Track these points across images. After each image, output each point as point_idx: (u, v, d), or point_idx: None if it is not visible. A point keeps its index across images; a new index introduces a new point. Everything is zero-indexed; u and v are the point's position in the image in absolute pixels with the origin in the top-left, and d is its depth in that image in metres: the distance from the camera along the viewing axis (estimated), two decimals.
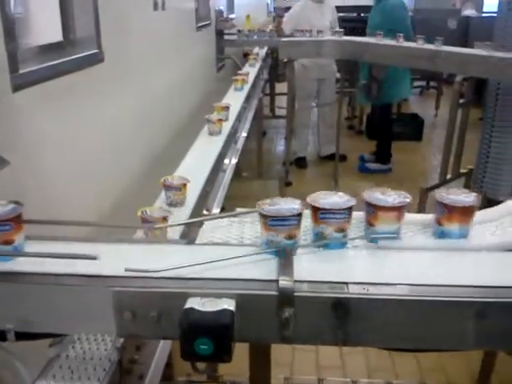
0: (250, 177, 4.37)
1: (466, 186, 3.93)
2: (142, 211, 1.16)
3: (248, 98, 3.37)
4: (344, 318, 0.79)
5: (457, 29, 6.26)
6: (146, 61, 2.58)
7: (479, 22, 6.02)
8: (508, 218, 1.04)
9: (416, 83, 8.27)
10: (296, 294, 0.80)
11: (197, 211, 1.50)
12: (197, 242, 1.01)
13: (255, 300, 0.80)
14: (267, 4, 8.73)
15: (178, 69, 3.19)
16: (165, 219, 1.13)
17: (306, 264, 0.86)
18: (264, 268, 0.85)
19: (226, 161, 2.56)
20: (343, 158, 5.33)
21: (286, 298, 0.79)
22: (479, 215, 1.00)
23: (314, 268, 0.85)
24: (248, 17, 6.50)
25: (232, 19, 4.89)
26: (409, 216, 1.05)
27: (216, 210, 2.06)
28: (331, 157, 4.96)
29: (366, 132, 6.07)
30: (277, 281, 0.80)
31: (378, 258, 0.89)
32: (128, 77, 2.33)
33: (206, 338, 0.75)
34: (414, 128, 6.04)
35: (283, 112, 5.25)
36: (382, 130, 5.18)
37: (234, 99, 2.85)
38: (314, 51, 4.21)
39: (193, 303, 0.78)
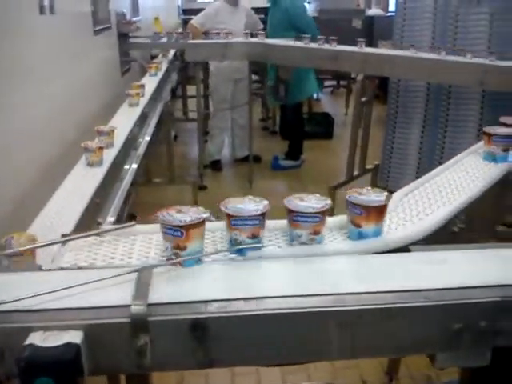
0: (162, 182, 4.27)
1: (373, 181, 4.05)
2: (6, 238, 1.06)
3: (152, 103, 3.28)
4: (203, 339, 0.75)
5: (362, 28, 6.46)
6: (36, 68, 2.43)
7: (383, 22, 6.24)
8: (393, 213, 1.04)
9: (327, 83, 8.47)
10: (150, 318, 0.74)
11: (83, 225, 1.41)
12: (57, 265, 0.93)
13: (106, 329, 0.74)
14: (178, 6, 8.62)
15: (75, 75, 3.04)
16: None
17: (165, 284, 0.81)
18: (119, 292, 0.79)
19: (126, 167, 2.45)
20: (258, 159, 5.34)
21: (139, 324, 0.74)
22: None
23: (172, 288, 0.80)
24: (157, 19, 6.35)
25: (136, 22, 4.75)
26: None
27: (111, 219, 1.96)
28: (246, 158, 4.95)
29: (280, 132, 6.12)
30: (129, 306, 0.75)
31: (243, 270, 0.86)
32: (15, 85, 2.18)
33: (48, 376, 0.68)
34: (325, 127, 6.16)
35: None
36: (293, 129, 5.25)
37: (128, 116, 2.71)
38: (220, 53, 4.18)
39: (34, 338, 0.71)
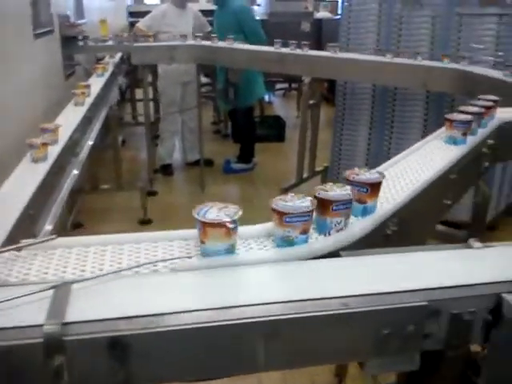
0: (109, 189, 4.17)
1: (323, 183, 4.07)
2: None
3: (97, 103, 3.19)
4: (123, 358, 0.71)
5: (310, 31, 6.52)
6: None
7: (331, 25, 6.31)
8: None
9: (279, 85, 8.52)
10: (66, 338, 0.70)
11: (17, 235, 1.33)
12: None
13: (17, 351, 0.69)
14: (126, 8, 8.47)
15: (11, 79, 2.92)
16: None
17: (84, 300, 0.77)
18: (32, 311, 0.74)
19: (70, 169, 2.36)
20: (210, 162, 5.30)
21: (53, 344, 0.69)
22: None
23: (92, 304, 0.76)
24: (104, 22, 6.21)
25: (80, 24, 4.63)
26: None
27: (48, 228, 1.88)
28: (198, 162, 4.90)
29: (232, 136, 6.09)
30: (42, 326, 0.70)
31: (164, 285, 0.81)
32: None
33: None
34: (276, 129, 6.18)
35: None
36: (244, 132, 5.24)
37: (73, 114, 2.63)
38: (167, 56, 4.12)
39: None
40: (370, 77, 3.36)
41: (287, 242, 0.88)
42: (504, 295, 0.75)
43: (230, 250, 0.85)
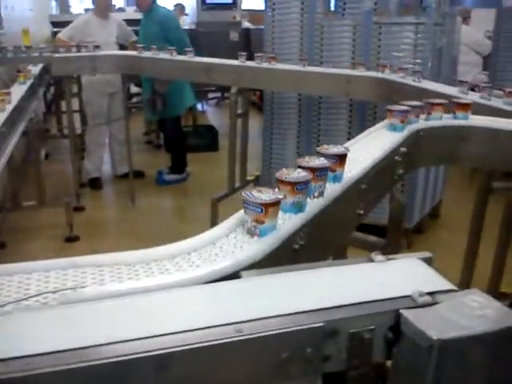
0: (33, 205, 3.97)
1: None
2: None
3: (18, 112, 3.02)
4: None
5: (239, 41, 6.54)
6: None
7: (258, 34, 6.36)
8: (224, 239, 0.98)
9: (212, 94, 8.49)
10: None
11: None
12: None
13: None
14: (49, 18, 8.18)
15: None
16: None
17: None
18: None
19: None
20: (140, 174, 5.18)
21: None
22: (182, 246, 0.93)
23: None
24: (26, 32, 5.96)
25: None
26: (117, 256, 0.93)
27: None
28: (128, 175, 4.76)
29: (165, 146, 5.99)
30: None
31: (46, 318, 0.73)
32: None
33: None
34: (209, 139, 6.14)
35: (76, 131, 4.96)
36: (175, 143, 5.16)
37: None
38: (90, 66, 3.99)
39: None
40: (293, 86, 3.38)
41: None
42: (402, 311, 0.73)
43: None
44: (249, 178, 4.10)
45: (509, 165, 1.77)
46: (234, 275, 0.84)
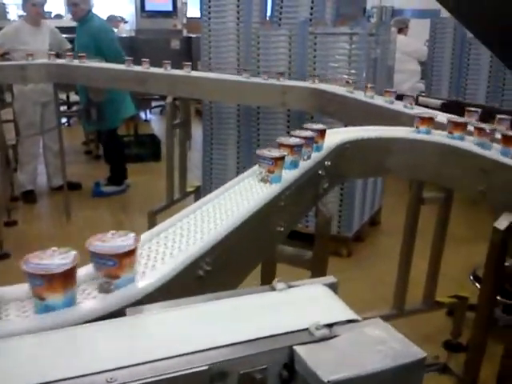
0: None
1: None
2: None
3: None
4: None
5: (180, 49, 6.45)
6: None
7: (199, 42, 6.30)
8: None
9: (156, 103, 8.35)
10: None
11: None
12: None
13: None
14: None
15: None
16: None
17: None
18: None
19: None
20: (77, 186, 5.01)
21: None
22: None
23: None
24: None
25: None
26: None
27: None
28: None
29: (104, 156, 5.82)
30: None
31: None
32: None
33: None
34: (152, 148, 6.02)
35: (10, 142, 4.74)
36: (112, 153, 5.01)
37: None
38: (19, 76, 3.81)
39: None
40: (230, 96, 3.33)
41: None
42: (295, 348, 0.68)
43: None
44: (189, 189, 4.01)
45: (433, 176, 1.77)
46: (119, 312, 0.77)
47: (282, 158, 1.31)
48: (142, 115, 8.37)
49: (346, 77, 3.32)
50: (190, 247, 0.96)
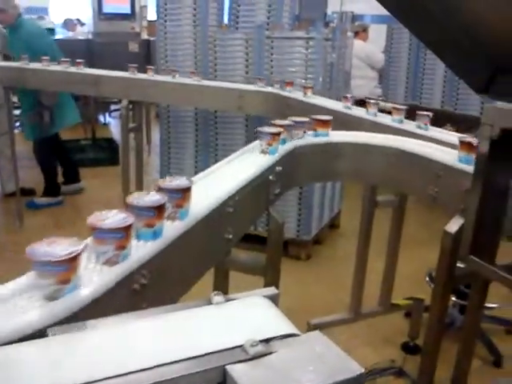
0: None
1: None
2: None
3: None
4: None
5: (139, 52, 6.36)
6: None
7: None
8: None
9: (115, 106, 8.20)
10: None
11: None
12: None
13: None
14: None
15: None
16: None
17: None
18: None
19: None
20: (31, 192, 4.85)
21: None
22: None
23: None
24: None
25: None
26: None
27: None
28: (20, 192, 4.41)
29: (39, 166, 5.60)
30: None
31: None
32: None
33: None
34: (109, 153, 5.90)
35: None
36: (44, 164, 4.79)
37: None
38: None
39: None
40: (186, 100, 3.28)
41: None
42: (227, 367, 0.65)
43: None
44: None
45: (382, 179, 1.77)
46: (41, 333, 0.72)
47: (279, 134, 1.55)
48: (101, 119, 8.22)
49: (303, 81, 3.32)
50: (136, 253, 0.92)
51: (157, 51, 3.76)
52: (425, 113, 2.08)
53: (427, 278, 3.01)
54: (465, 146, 1.56)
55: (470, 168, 1.46)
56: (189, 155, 3.85)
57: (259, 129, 1.62)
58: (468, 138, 1.58)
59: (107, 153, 5.92)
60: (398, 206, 2.38)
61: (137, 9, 6.82)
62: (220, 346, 0.68)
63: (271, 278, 1.59)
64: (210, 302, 0.78)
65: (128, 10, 6.64)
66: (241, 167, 1.44)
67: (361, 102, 2.90)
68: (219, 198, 1.21)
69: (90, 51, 4.78)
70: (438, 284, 1.76)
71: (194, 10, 3.58)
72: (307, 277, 3.54)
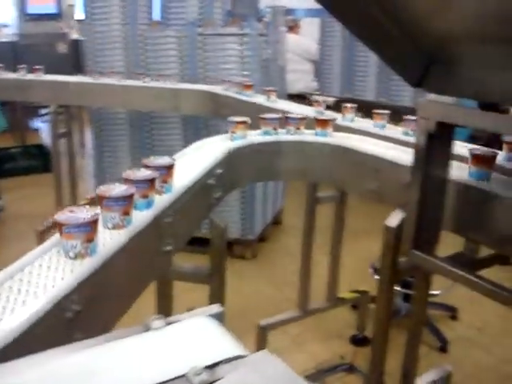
0: None
1: None
2: None
3: None
4: None
5: (69, 53, 6.10)
6: None
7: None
8: None
9: (44, 110, 7.87)
10: None
11: None
12: None
13: None
14: None
15: None
16: None
17: None
18: None
19: None
20: None
21: None
22: None
23: None
24: None
25: None
26: None
27: None
28: None
29: None
30: None
31: None
32: None
33: None
34: (40, 160, 5.63)
35: None
36: None
37: None
38: None
39: None
40: (119, 102, 3.17)
41: None
42: None
43: None
44: (82, 202, 3.77)
45: (323, 176, 1.76)
46: None
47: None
48: (31, 124, 7.86)
49: (239, 78, 3.27)
50: (56, 284, 0.84)
51: (85, 52, 3.60)
52: (383, 111, 2.05)
53: (371, 270, 3.04)
54: (477, 159, 1.38)
55: (408, 162, 1.46)
56: (124, 158, 3.72)
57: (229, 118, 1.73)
58: (480, 150, 1.42)
59: (39, 160, 5.66)
60: (340, 201, 2.39)
61: (64, 8, 6.54)
62: (161, 378, 0.62)
63: (217, 285, 1.54)
64: (147, 328, 0.72)
65: (54, 10, 6.36)
66: (177, 173, 1.37)
67: (298, 96, 2.90)
68: (156, 209, 1.14)
69: (15, 54, 4.52)
70: (383, 278, 1.76)
71: (123, 7, 3.45)
72: (254, 276, 3.51)
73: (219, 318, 0.79)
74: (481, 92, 1.22)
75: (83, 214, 0.94)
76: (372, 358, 1.87)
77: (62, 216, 0.92)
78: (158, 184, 1.21)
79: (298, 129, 1.79)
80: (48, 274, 0.89)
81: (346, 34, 4.83)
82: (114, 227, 1.03)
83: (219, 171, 1.53)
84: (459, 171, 1.41)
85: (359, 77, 4.76)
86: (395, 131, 1.98)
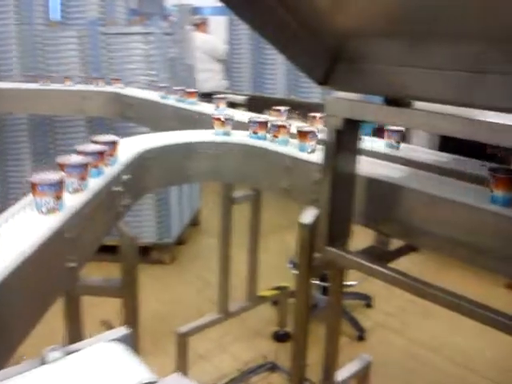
0: None
1: None
2: None
3: None
4: None
5: None
6: None
7: None
8: None
9: None
10: None
11: None
12: None
13: None
14: None
15: None
16: None
17: None
18: None
19: None
20: None
21: None
22: None
23: None
24: None
25: None
26: None
27: None
28: None
29: None
30: None
31: None
32: None
33: None
34: None
35: None
36: None
37: None
38: None
39: None
40: (17, 107, 2.96)
41: None
42: None
43: None
44: None
45: (236, 177, 1.73)
46: None
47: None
48: None
49: (145, 79, 3.18)
50: None
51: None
52: (281, 108, 2.04)
53: (289, 265, 3.07)
54: (502, 181, 1.13)
55: (318, 158, 1.46)
56: (27, 166, 3.50)
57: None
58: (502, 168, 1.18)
59: None
60: (255, 200, 2.37)
61: None
62: None
63: (129, 297, 1.47)
64: (43, 362, 0.65)
65: None
66: None
67: (207, 96, 2.84)
68: (53, 224, 1.05)
69: None
70: (300, 274, 1.77)
71: (17, 7, 3.23)
72: (174, 280, 3.43)
73: (127, 340, 0.73)
74: (385, 88, 1.24)
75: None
76: (293, 352, 1.87)
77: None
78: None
79: None
80: None
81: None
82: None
83: (126, 177, 1.46)
84: (366, 165, 1.44)
85: (269, 74, 4.78)
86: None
